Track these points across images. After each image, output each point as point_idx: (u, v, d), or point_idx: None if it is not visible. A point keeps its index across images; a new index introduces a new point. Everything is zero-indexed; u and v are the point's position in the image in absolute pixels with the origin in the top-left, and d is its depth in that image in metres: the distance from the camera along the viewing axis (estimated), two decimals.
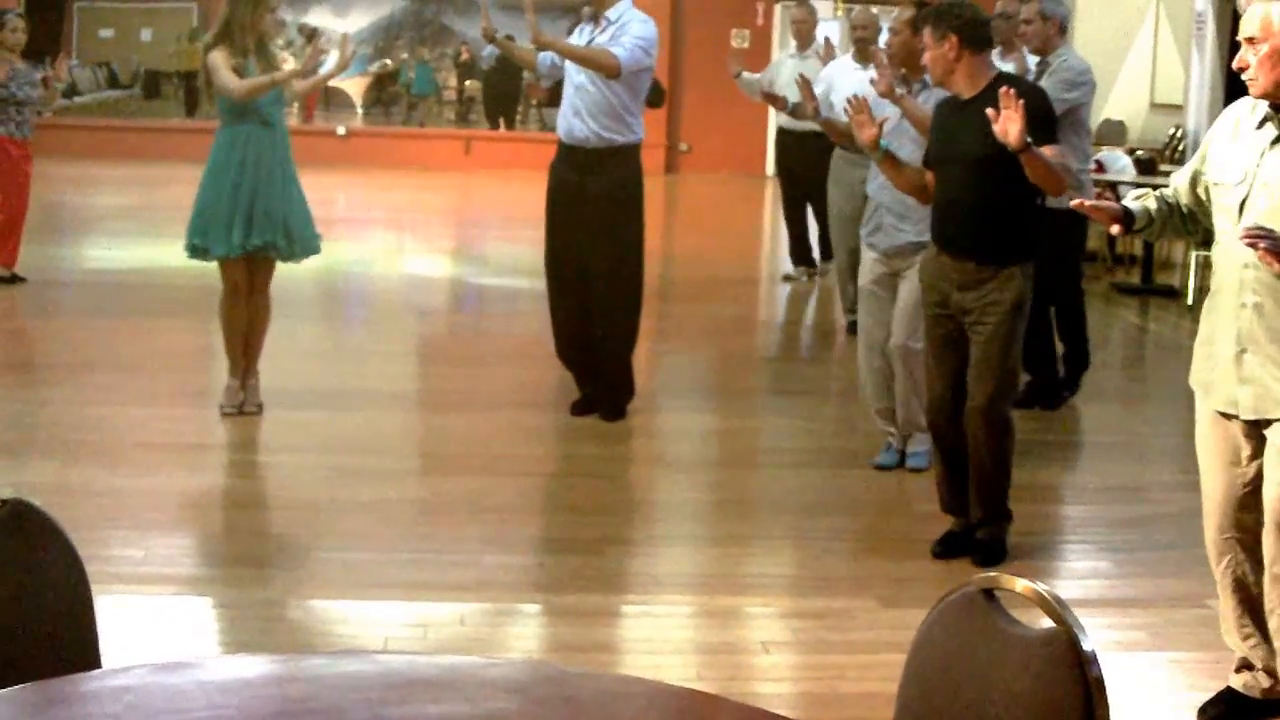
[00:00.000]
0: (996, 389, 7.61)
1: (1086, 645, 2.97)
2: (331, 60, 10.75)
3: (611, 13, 10.15)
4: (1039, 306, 9.95)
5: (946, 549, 7.87)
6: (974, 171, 7.49)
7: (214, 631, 6.63)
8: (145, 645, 6.31)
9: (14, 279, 14.90)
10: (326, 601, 6.99)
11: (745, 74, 15.03)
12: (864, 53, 12.15)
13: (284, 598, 7.06)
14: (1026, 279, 7.60)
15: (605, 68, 9.99)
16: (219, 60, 9.72)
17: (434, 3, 33.32)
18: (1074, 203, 6.16)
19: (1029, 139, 6.97)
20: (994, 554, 7.72)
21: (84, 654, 3.58)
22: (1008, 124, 6.95)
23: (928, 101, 8.42)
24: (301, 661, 3.89)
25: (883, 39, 9.98)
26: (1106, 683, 2.96)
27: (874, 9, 15.09)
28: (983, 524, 7.84)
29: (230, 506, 8.52)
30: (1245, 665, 6.11)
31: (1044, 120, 7.38)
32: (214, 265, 10.04)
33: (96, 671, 3.46)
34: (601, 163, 10.20)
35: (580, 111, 10.17)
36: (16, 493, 3.60)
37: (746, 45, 27.23)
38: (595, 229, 10.22)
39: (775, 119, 17.93)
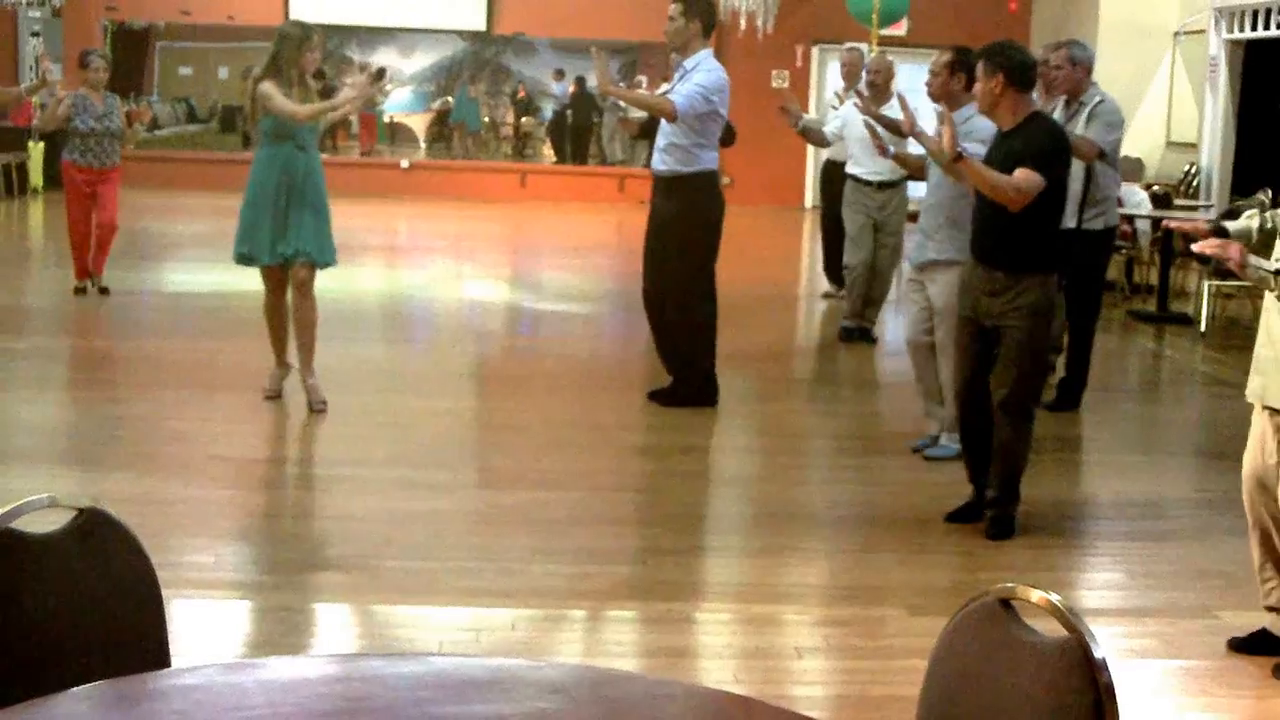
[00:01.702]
0: (1018, 385, 8.18)
1: (1098, 653, 2.96)
2: (349, 92, 11.05)
3: (689, 61, 10.95)
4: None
5: (955, 516, 8.55)
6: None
7: (278, 634, 6.63)
8: (213, 646, 6.34)
9: (103, 290, 15.43)
10: (385, 606, 6.99)
11: (806, 119, 15.04)
12: (879, 92, 13.33)
13: (345, 603, 7.08)
14: (1044, 289, 8.14)
15: (664, 113, 10.82)
16: (272, 89, 10.27)
17: (493, 44, 33.41)
18: (1167, 223, 6.52)
19: (961, 150, 8.12)
20: (1002, 529, 8.28)
21: (155, 654, 3.59)
22: (942, 137, 8.27)
23: (963, 126, 8.97)
24: (358, 662, 3.89)
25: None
26: (1117, 689, 2.95)
27: (888, 55, 15.20)
28: (996, 502, 8.34)
29: (296, 516, 8.53)
30: (1274, 609, 6.70)
31: (1039, 153, 7.99)
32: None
33: (166, 670, 3.46)
34: (670, 189, 11.02)
35: (659, 147, 11.06)
36: (95, 502, 3.61)
37: (786, 85, 27.22)
38: (663, 249, 11.12)
39: (818, 153, 17.99)
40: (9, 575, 3.36)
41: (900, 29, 23.13)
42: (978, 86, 8.27)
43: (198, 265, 18.21)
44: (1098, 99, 11.01)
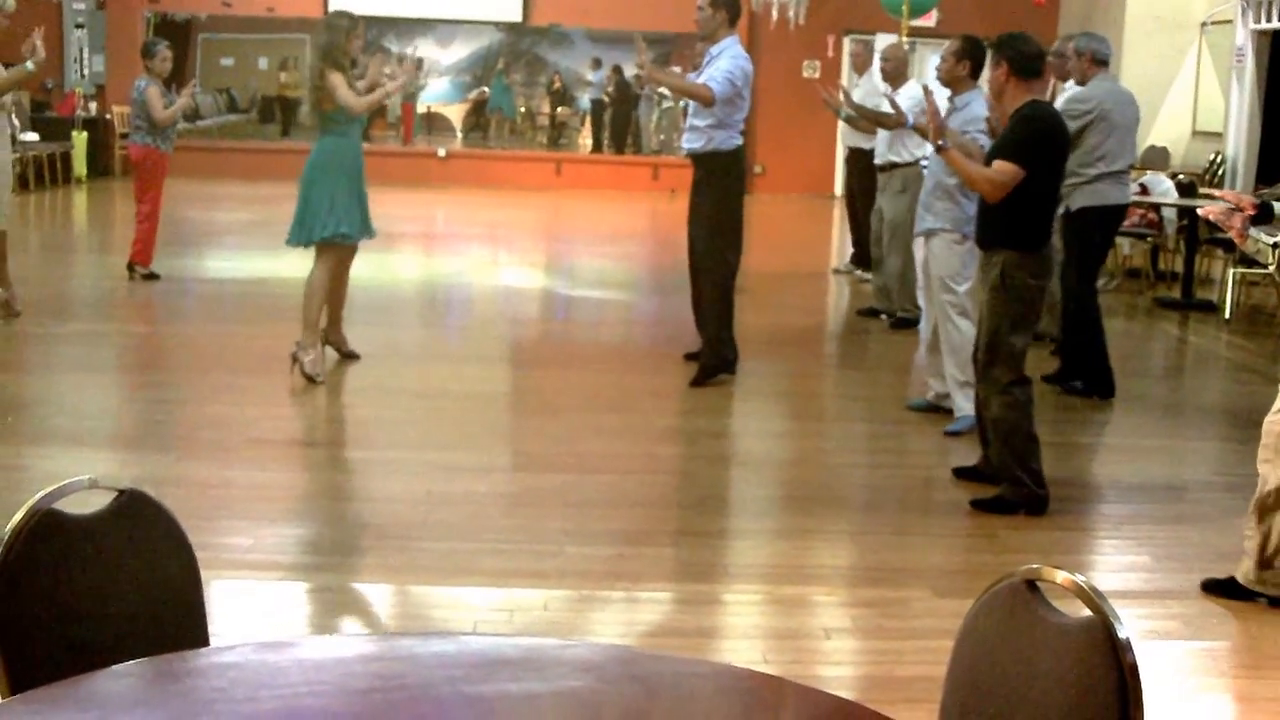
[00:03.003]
0: (986, 356, 8.44)
1: (1122, 633, 2.95)
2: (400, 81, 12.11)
3: (715, 48, 11.37)
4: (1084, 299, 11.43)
5: (960, 474, 8.98)
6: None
7: (315, 614, 6.64)
8: (251, 626, 6.35)
9: (152, 275, 15.71)
10: (420, 587, 7.00)
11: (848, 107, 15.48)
12: (893, 77, 14.22)
13: (381, 583, 7.09)
14: (1012, 265, 8.27)
15: (702, 99, 11.20)
16: (340, 81, 10.76)
17: (528, 35, 33.39)
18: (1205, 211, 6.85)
19: (941, 142, 8.49)
20: (991, 508, 8.41)
21: (193, 633, 3.59)
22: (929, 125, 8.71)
23: (964, 111, 9.94)
24: (393, 641, 3.89)
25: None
26: (1141, 669, 2.94)
27: (905, 45, 15.92)
28: (1000, 480, 8.51)
29: (333, 498, 8.54)
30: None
31: (1012, 143, 8.30)
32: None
33: (204, 649, 3.48)
34: (696, 168, 11.64)
35: (685, 128, 11.82)
36: (135, 484, 3.62)
37: (817, 75, 27.18)
38: (694, 223, 11.66)
39: (845, 141, 18.25)
40: (50, 556, 3.36)
41: (930, 20, 23.01)
42: (988, 75, 8.83)
43: (237, 253, 18.28)
44: (1072, 90, 11.71)
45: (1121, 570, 7.70)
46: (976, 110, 9.76)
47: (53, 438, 9.42)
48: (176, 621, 3.59)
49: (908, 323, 13.77)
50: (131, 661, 3.16)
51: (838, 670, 6.27)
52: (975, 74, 9.96)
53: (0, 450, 9.05)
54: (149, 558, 3.57)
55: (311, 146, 11.18)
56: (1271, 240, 6.31)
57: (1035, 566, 3.23)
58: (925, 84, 9.81)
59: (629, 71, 11.72)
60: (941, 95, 9.63)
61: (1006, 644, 3.18)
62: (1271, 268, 6.33)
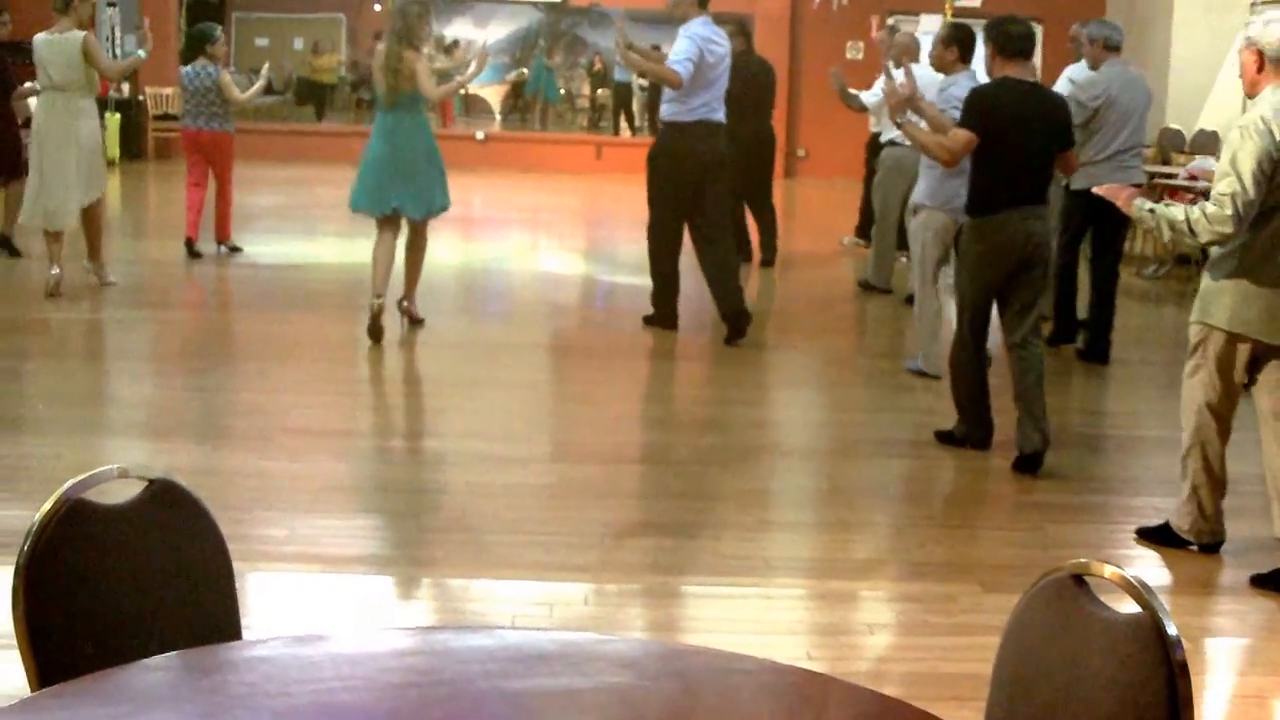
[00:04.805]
0: (957, 322, 9.49)
1: (1171, 630, 2.93)
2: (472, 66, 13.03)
3: (682, 29, 12.29)
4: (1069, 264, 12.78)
5: (939, 437, 9.66)
6: None
7: (352, 607, 6.65)
8: (286, 619, 6.37)
9: (235, 249, 16.74)
10: (459, 580, 7.01)
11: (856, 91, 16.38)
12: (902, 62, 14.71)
13: (419, 576, 7.10)
14: (973, 232, 9.21)
15: (670, 83, 12.22)
16: (424, 67, 11.73)
17: (569, 15, 33.40)
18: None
19: (900, 118, 9.69)
20: (946, 438, 9.58)
21: (225, 626, 3.60)
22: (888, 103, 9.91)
23: (946, 91, 10.92)
24: (428, 636, 3.90)
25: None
26: (1190, 666, 2.93)
27: (918, 34, 16.43)
28: (956, 429, 9.59)
29: (370, 490, 8.55)
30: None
31: (962, 111, 9.23)
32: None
33: (236, 643, 3.48)
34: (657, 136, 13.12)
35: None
36: (166, 474, 3.63)
37: (861, 57, 27.16)
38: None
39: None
40: (80, 546, 3.37)
41: (975, 1, 22.94)
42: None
43: (271, 237, 18.27)
44: (1082, 75, 12.70)
45: (1170, 565, 7.67)
46: (957, 91, 10.32)
47: (82, 426, 9.45)
48: (208, 614, 3.60)
49: None
50: (162, 655, 3.16)
51: (882, 667, 6.26)
52: (965, 58, 10.91)
53: (34, 440, 9.10)
54: (180, 549, 3.57)
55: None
56: (1149, 207, 6.86)
57: (1083, 560, 3.22)
58: (889, 66, 10.84)
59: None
60: (930, 80, 11.24)
61: (1053, 641, 3.18)
62: (1148, 229, 6.97)
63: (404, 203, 12.02)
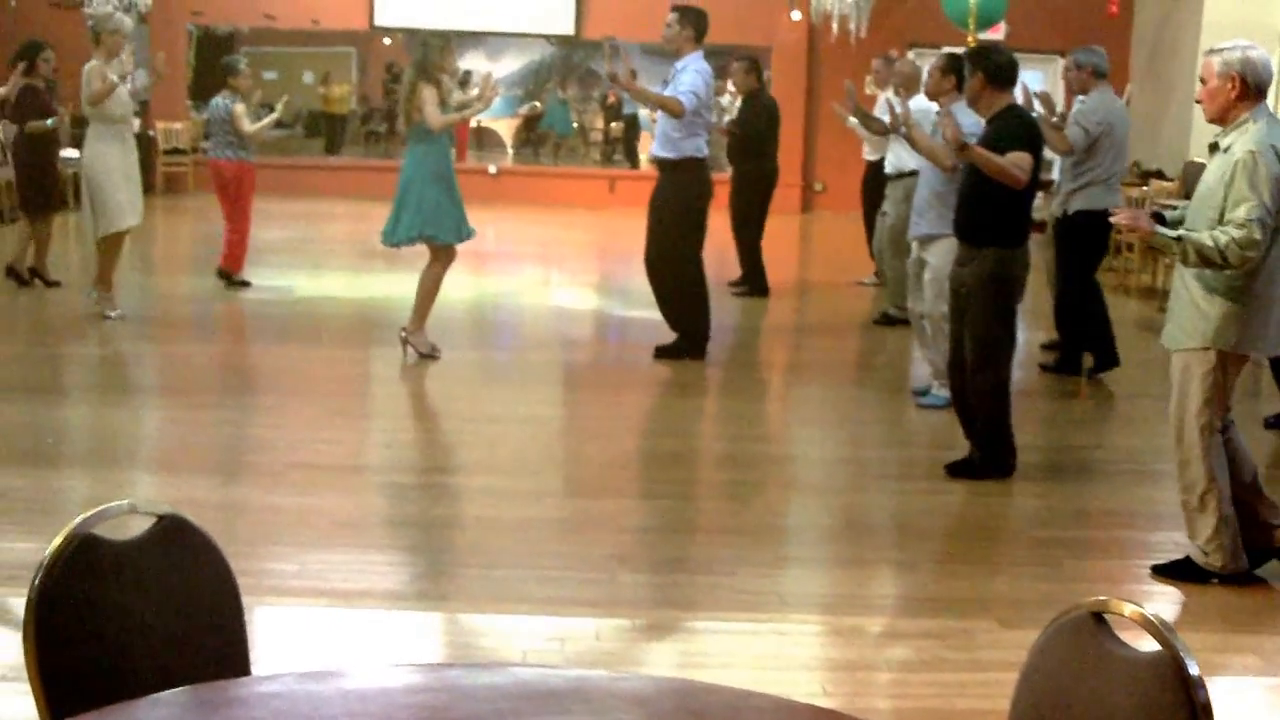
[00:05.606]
0: (975, 353, 9.40)
1: (1193, 669, 2.92)
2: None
3: (680, 63, 12.71)
4: (1086, 290, 12.80)
5: (952, 470, 9.57)
6: (968, 172, 9.50)
7: (362, 642, 6.64)
8: (296, 654, 6.36)
9: (244, 284, 16.58)
10: (470, 615, 7.00)
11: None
12: (906, 90, 14.83)
13: (430, 611, 7.08)
14: (999, 261, 9.28)
15: (672, 111, 12.47)
16: (431, 96, 11.97)
17: (581, 48, 33.46)
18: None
19: (963, 142, 9.29)
20: (965, 471, 9.53)
21: (234, 662, 3.60)
22: (947, 132, 9.52)
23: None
24: (439, 672, 3.89)
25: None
26: (1213, 706, 2.91)
27: (917, 62, 16.72)
28: (981, 461, 9.53)
29: (380, 524, 8.54)
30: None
31: (1018, 137, 9.25)
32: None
33: (245, 679, 3.48)
34: (661, 172, 13.01)
35: (655, 135, 13.07)
36: (174, 509, 3.63)
37: (879, 91, 27.17)
38: (658, 223, 13.05)
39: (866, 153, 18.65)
40: (90, 580, 3.37)
41: (998, 33, 22.92)
42: (968, 85, 9.62)
43: (279, 271, 18.24)
44: (1080, 105, 12.83)
45: (1191, 601, 7.64)
46: (961, 120, 10.27)
47: (91, 461, 9.48)
48: (217, 649, 3.60)
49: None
50: (171, 690, 3.16)
51: (899, 704, 6.24)
52: (960, 87, 10.74)
53: (42, 473, 9.10)
54: (189, 583, 3.58)
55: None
56: (1175, 235, 6.93)
57: (1103, 598, 3.21)
58: (887, 97, 11.67)
59: None
60: (926, 108, 11.62)
61: (1072, 679, 3.16)
62: (1177, 258, 7.02)
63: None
